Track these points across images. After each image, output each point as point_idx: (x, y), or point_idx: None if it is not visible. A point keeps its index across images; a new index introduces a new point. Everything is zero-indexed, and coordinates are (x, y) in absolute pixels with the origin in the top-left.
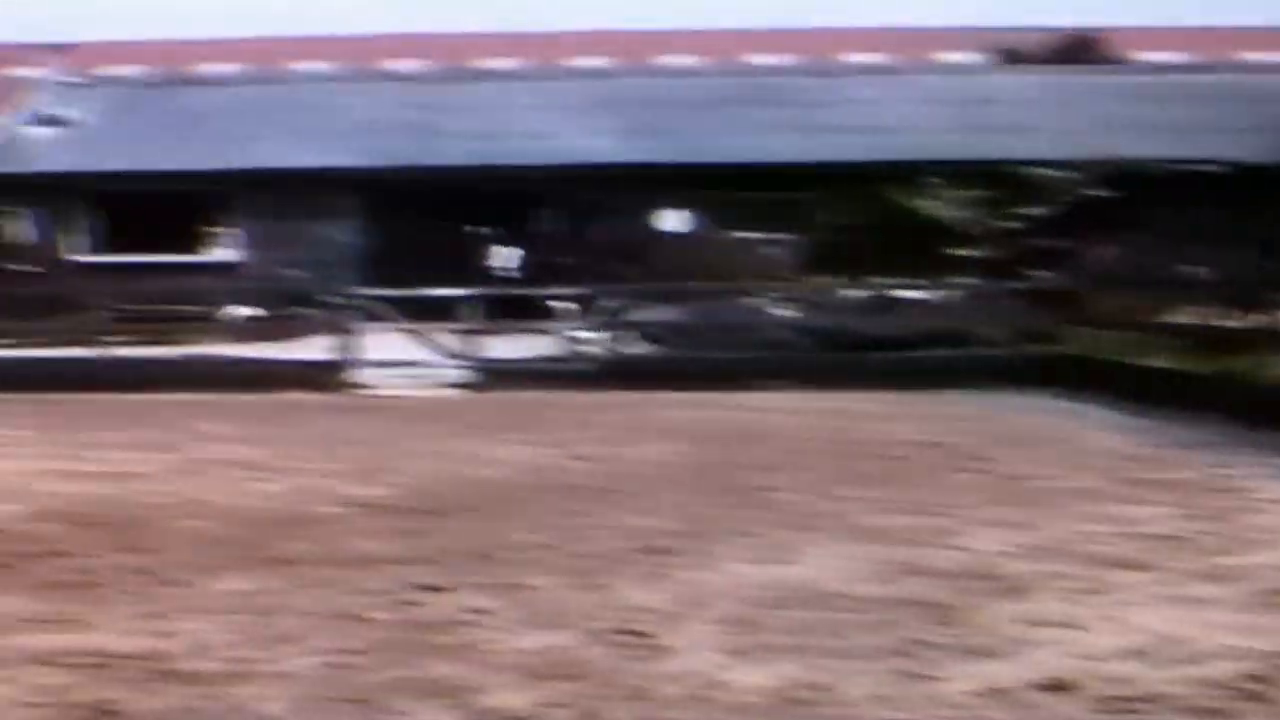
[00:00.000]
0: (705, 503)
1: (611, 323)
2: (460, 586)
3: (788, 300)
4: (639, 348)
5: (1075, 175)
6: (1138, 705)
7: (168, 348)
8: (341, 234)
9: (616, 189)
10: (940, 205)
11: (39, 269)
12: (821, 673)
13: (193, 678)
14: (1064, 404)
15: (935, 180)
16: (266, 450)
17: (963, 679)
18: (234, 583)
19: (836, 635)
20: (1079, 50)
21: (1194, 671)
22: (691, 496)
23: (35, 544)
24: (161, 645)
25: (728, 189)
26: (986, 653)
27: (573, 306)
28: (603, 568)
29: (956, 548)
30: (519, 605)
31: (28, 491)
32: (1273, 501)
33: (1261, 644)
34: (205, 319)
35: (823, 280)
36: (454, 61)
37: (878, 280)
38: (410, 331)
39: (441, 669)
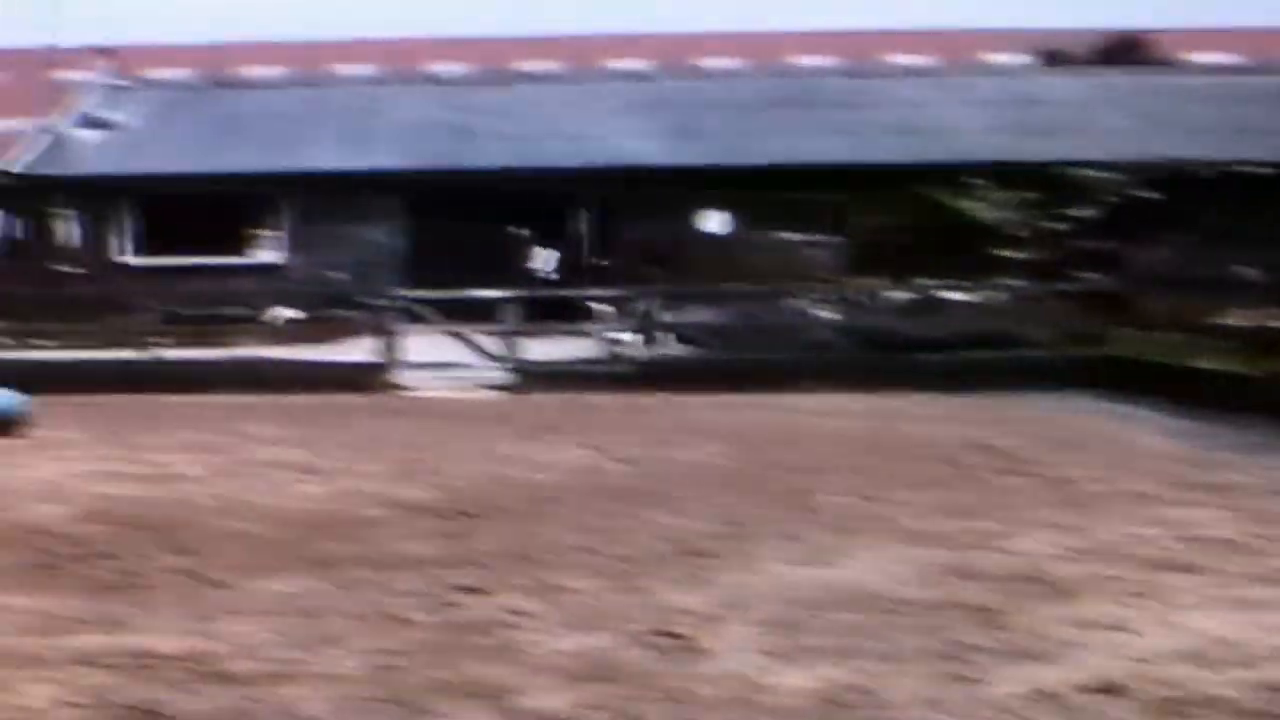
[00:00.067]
0: (746, 504)
1: (650, 324)
2: (500, 588)
3: (830, 301)
4: (678, 349)
5: (1122, 176)
6: (1189, 709)
7: (212, 349)
8: (383, 236)
9: (657, 191)
10: (985, 207)
11: (85, 271)
12: (864, 675)
13: (236, 678)
14: (1111, 406)
15: (980, 182)
16: (309, 452)
17: (1009, 682)
18: (278, 584)
19: (880, 638)
20: (1125, 51)
21: (1247, 675)
22: (732, 498)
23: (81, 545)
24: (205, 646)
25: (769, 190)
26: (1034, 655)
27: (611, 308)
28: (643, 570)
29: (1004, 550)
30: (559, 607)
31: (74, 493)
32: None
33: None
34: (249, 321)
35: (865, 281)
36: (494, 64)
37: (921, 282)
38: (451, 333)
39: (482, 670)
